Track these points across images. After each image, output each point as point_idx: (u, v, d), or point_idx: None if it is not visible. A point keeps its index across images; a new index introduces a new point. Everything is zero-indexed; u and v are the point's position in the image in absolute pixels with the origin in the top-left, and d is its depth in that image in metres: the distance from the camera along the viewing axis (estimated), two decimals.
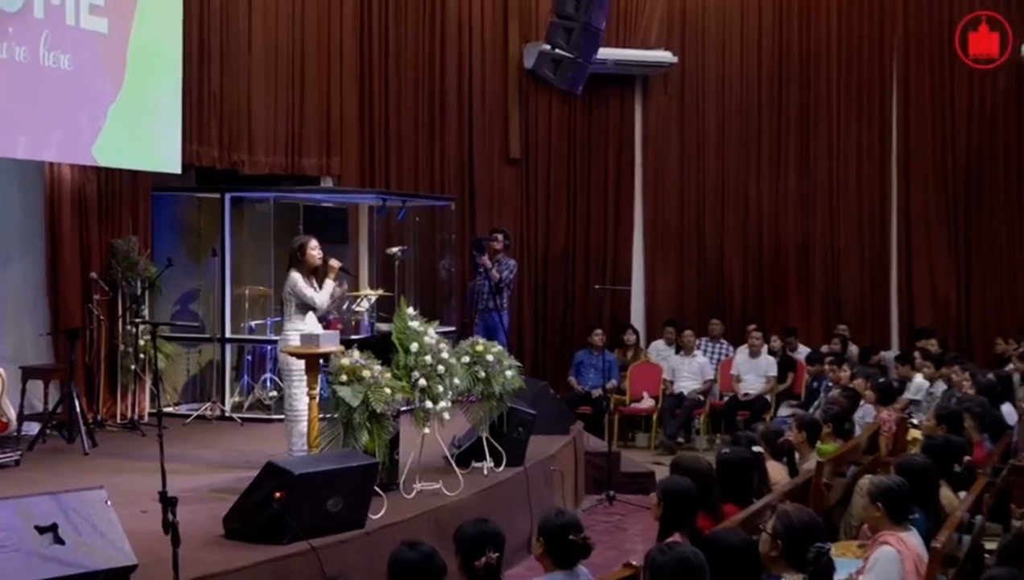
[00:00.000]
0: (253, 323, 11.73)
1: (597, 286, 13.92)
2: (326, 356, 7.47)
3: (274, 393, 11.22)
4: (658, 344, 14.76)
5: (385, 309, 11.46)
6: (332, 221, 13.02)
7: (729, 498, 6.30)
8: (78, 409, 9.40)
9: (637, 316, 15.39)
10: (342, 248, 12.41)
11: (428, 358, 7.65)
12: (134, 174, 10.87)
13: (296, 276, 8.32)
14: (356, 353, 7.34)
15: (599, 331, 13.84)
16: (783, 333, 14.53)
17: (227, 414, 11.03)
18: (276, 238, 11.49)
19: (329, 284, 8.44)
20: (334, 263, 8.52)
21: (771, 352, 14.11)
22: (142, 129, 10.44)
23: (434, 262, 13.62)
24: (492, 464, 8.44)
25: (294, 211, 12.26)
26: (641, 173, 15.50)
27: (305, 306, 8.31)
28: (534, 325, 15.05)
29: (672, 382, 13.87)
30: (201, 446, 9.62)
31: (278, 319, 10.59)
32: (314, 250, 8.41)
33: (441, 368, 7.70)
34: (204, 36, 11.49)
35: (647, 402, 13.75)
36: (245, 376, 11.71)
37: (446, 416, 7.73)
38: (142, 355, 10.58)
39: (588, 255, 15.24)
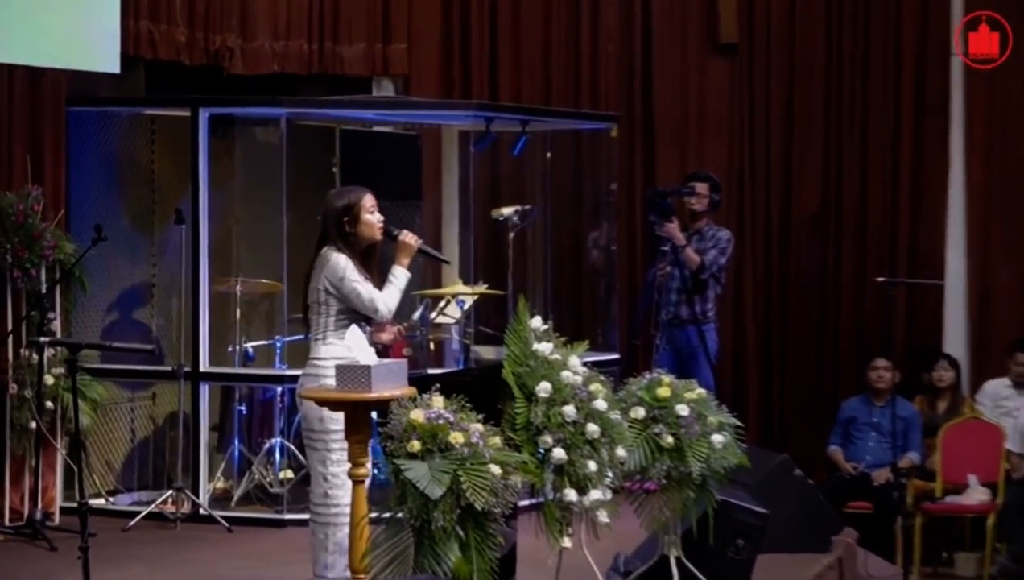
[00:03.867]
0: (251, 346, 11.87)
1: (881, 280, 13.73)
2: (384, 406, 7.46)
3: (289, 473, 11.33)
4: (996, 386, 14.52)
5: (490, 320, 11.48)
6: (393, 160, 13.12)
7: None
8: None
9: (955, 336, 15.20)
10: (409, 209, 12.51)
11: (570, 410, 7.65)
12: (35, 76, 11.05)
13: (343, 261, 8.30)
14: (439, 400, 7.29)
15: (885, 362, 13.75)
16: None
17: (203, 511, 11.13)
18: (293, 190, 11.56)
19: (402, 276, 8.43)
20: (409, 239, 8.49)
21: None
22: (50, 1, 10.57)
23: (580, 234, 13.73)
24: None
25: (325, 141, 12.47)
26: (963, 78, 15.29)
27: (353, 316, 8.34)
28: (763, 350, 15.09)
29: (1023, 456, 13.68)
30: (158, 568, 9.73)
31: (299, 338, 10.70)
32: (372, 215, 8.41)
33: (593, 428, 7.70)
34: None
35: (976, 493, 13.57)
36: (236, 441, 11.80)
37: (603, 518, 7.73)
38: (50, 403, 10.70)
39: (863, 224, 15.14)
